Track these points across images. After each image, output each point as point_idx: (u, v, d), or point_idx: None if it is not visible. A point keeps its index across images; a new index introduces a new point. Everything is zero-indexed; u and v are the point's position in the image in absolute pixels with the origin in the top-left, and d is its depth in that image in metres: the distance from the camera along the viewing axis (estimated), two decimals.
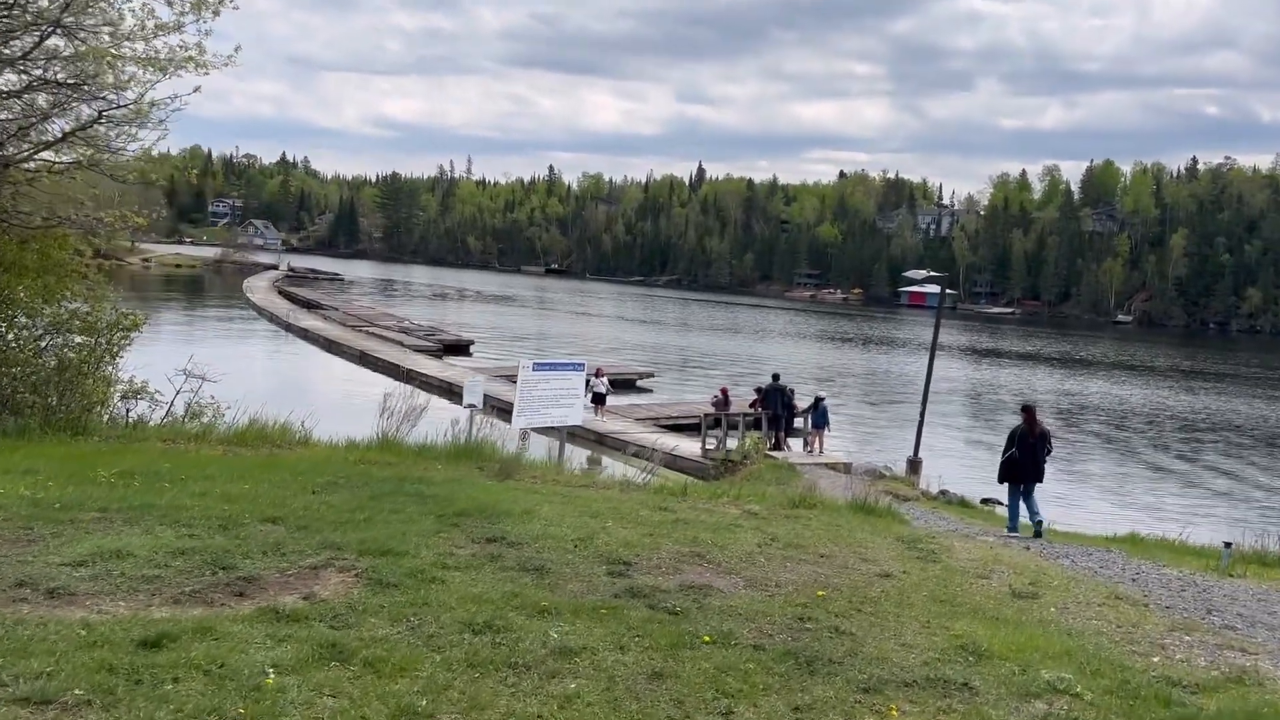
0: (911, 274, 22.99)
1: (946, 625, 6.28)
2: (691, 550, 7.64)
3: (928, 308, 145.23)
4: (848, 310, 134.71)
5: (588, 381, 30.46)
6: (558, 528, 7.88)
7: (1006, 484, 13.08)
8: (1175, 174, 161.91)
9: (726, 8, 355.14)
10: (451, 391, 31.21)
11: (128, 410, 15.40)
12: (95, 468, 9.36)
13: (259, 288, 78.07)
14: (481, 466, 11.42)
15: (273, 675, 4.32)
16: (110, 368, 15.45)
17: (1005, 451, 12.91)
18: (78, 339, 15.12)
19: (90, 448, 12.06)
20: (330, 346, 44.77)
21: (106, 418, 15.04)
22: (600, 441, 27.05)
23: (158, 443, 12.86)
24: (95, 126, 13.63)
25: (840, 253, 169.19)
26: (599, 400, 28.81)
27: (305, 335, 48.58)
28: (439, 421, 15.11)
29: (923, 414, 20.25)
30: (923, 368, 21.23)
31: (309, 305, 66.17)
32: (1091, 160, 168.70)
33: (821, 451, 22.17)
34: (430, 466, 11.24)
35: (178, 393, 15.57)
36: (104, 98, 13.26)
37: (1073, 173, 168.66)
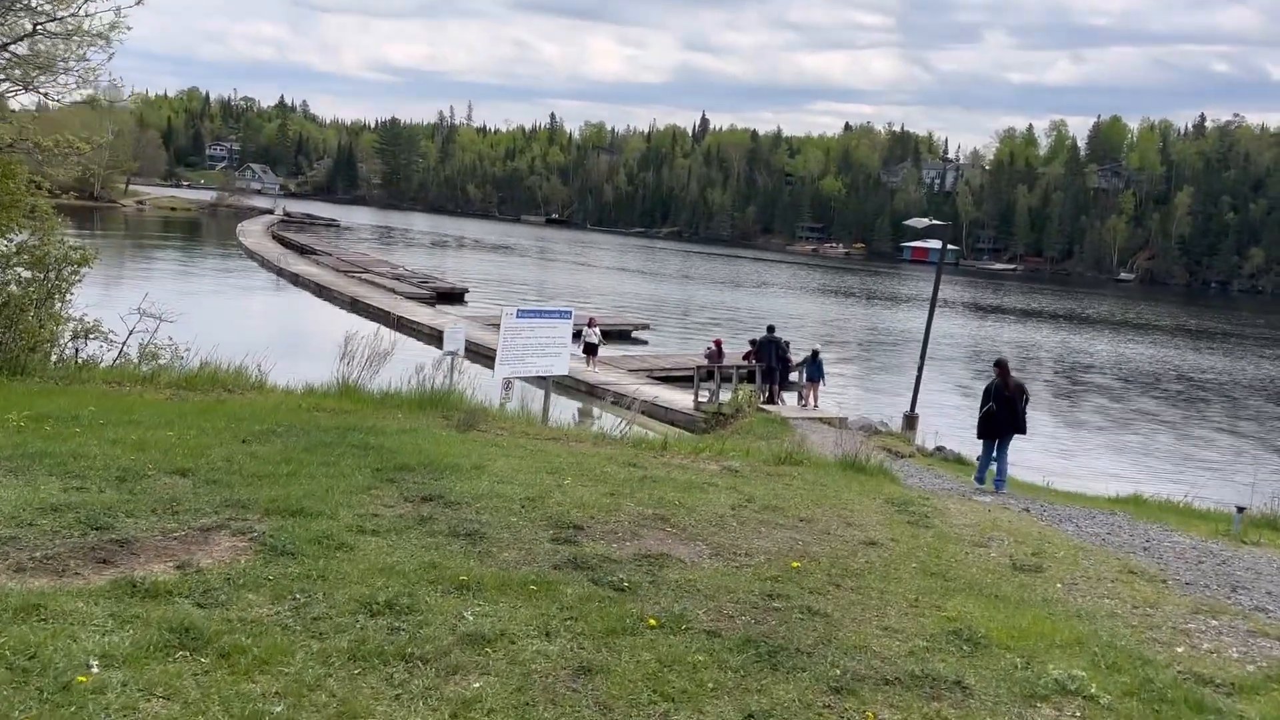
0: (913, 222, 21.94)
1: (937, 605, 5.45)
2: (655, 512, 6.79)
3: (930, 263, 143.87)
4: (850, 265, 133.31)
5: (579, 332, 29.66)
6: (508, 485, 7.04)
7: (983, 439, 13.06)
8: (1183, 131, 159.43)
9: None
10: (439, 338, 30.32)
11: (77, 351, 14.56)
12: (10, 410, 8.52)
13: (253, 232, 76.77)
14: (447, 416, 10.59)
15: (95, 669, 3.47)
16: (60, 305, 14.60)
17: (983, 407, 12.88)
18: (24, 274, 14.27)
19: (24, 388, 11.23)
20: (321, 292, 43.78)
21: (55, 358, 14.22)
22: (591, 393, 26.22)
23: (102, 385, 12.03)
24: (34, 42, 12.60)
25: (843, 206, 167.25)
26: (591, 351, 27.94)
27: (296, 281, 47.58)
28: (413, 366, 14.21)
29: (920, 369, 19.38)
30: (923, 323, 20.31)
31: (303, 250, 64.99)
32: (1099, 116, 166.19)
33: (816, 405, 21.34)
34: (389, 416, 10.40)
35: (130, 333, 14.70)
36: (40, 9, 12.22)
37: (1079, 129, 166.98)
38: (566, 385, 26.84)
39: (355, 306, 39.25)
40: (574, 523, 6.26)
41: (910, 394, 20.42)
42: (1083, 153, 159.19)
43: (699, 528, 6.57)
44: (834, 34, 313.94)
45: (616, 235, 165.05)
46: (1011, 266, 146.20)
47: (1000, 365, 13.14)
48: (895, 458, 16.14)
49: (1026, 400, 12.93)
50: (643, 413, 24.52)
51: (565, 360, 17.56)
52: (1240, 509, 9.49)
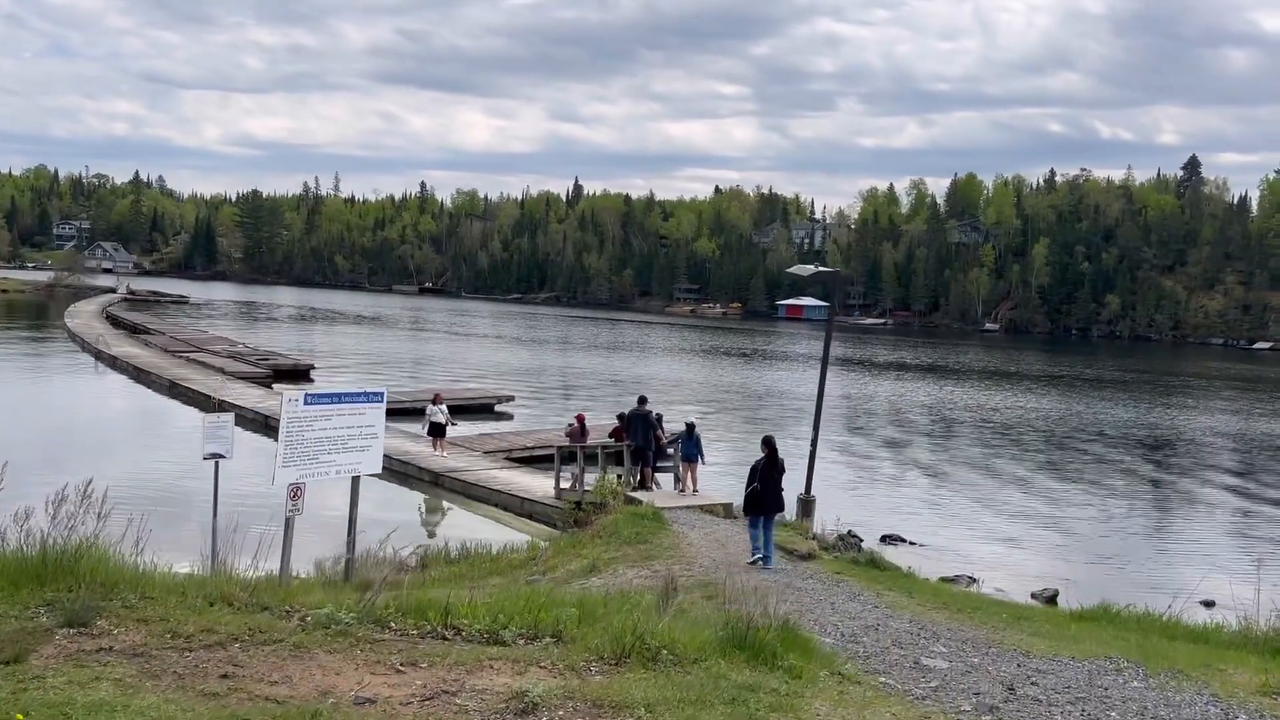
0: (797, 269, 19.56)
1: None
2: None
3: (805, 320, 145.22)
4: (727, 324, 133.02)
5: (424, 410, 26.07)
6: None
7: (748, 516, 13.27)
8: (1035, 186, 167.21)
9: (593, 28, 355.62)
10: (269, 425, 26.24)
11: None
12: None
13: (84, 313, 70.30)
14: (52, 603, 5.81)
15: None
16: None
17: (748, 485, 13.19)
18: None
19: None
20: (139, 376, 38.89)
21: None
22: (437, 483, 22.71)
23: None
24: None
25: (718, 267, 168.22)
26: (437, 432, 24.45)
27: (115, 364, 42.40)
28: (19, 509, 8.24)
29: (814, 444, 16.71)
30: (805, 382, 17.71)
31: (135, 330, 59.34)
32: (955, 174, 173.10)
33: (695, 490, 18.38)
34: None
35: None
36: None
37: (937, 187, 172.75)
38: (409, 475, 23.26)
39: (174, 390, 34.66)
40: None
41: (805, 470, 17.71)
42: (942, 209, 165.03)
43: None
44: (696, 104, 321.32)
45: (493, 302, 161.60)
46: (882, 321, 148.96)
47: (768, 443, 13.54)
48: (794, 560, 13.26)
49: (783, 471, 13.47)
50: (497, 505, 21.12)
51: (377, 455, 14.05)
52: None
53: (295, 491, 13.29)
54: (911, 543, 20.66)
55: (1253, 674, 7.48)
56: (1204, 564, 20.27)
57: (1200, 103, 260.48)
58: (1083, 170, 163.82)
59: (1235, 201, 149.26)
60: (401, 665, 4.96)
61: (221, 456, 12.75)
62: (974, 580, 17.53)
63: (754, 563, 12.64)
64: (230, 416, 14.03)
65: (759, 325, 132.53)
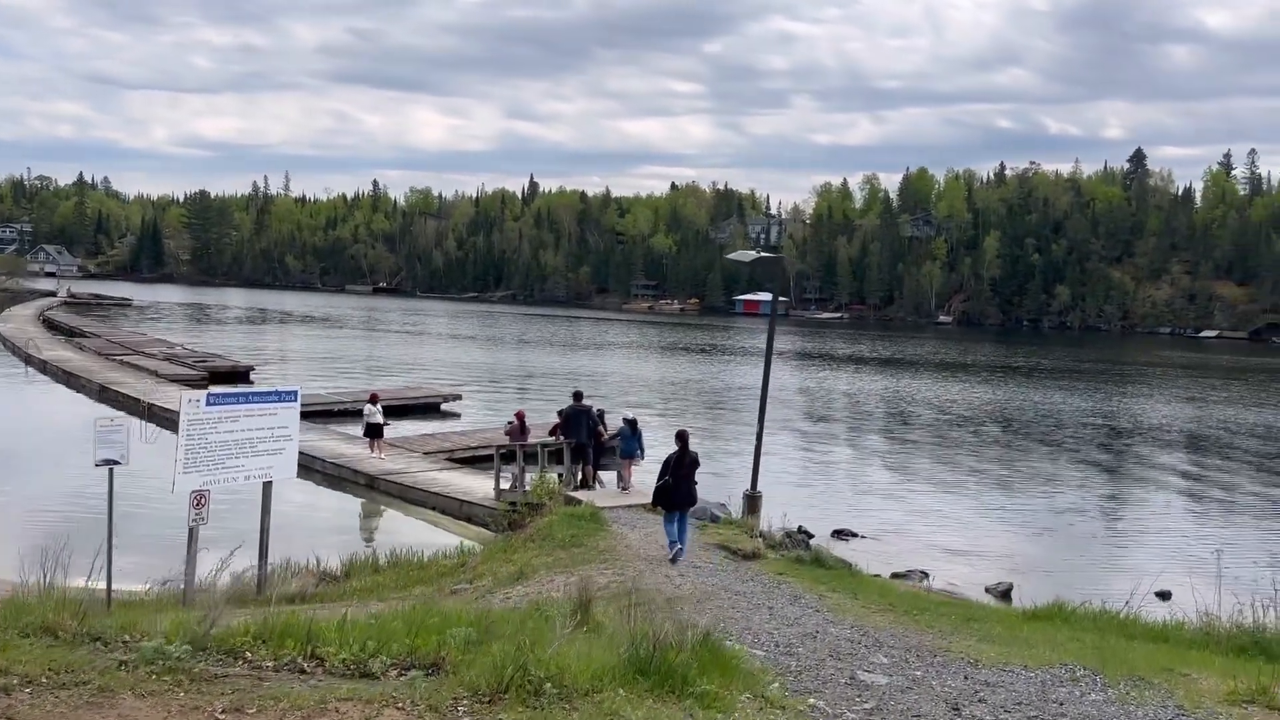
0: (738, 255, 18.85)
1: None
2: None
3: (763, 315, 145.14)
4: (685, 320, 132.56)
5: (362, 411, 25.04)
6: None
7: (662, 509, 13.15)
8: (985, 180, 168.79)
9: (547, 26, 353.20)
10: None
11: None
12: None
13: (19, 317, 67.98)
14: None
15: None
16: None
17: (660, 479, 13.08)
18: None
19: None
20: (69, 380, 37.34)
21: None
22: (372, 486, 21.75)
23: None
24: None
25: (675, 263, 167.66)
26: (374, 433, 23.45)
27: (45, 368, 40.77)
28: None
29: (759, 440, 16.04)
30: (759, 376, 17.08)
31: (71, 333, 57.35)
32: (907, 169, 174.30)
33: (629, 487, 17.49)
34: None
35: None
36: None
37: (890, 183, 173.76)
38: (343, 479, 22.29)
39: (104, 394, 33.25)
40: None
41: (751, 466, 17.02)
42: (895, 204, 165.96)
43: None
44: (651, 101, 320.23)
45: (449, 301, 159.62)
46: (838, 315, 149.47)
47: (680, 437, 13.43)
48: (737, 560, 12.56)
49: (698, 465, 13.43)
50: (436, 508, 20.23)
51: (291, 459, 13.18)
52: None
53: (199, 499, 12.36)
54: (864, 537, 20.13)
55: (1218, 678, 6.90)
56: (1160, 552, 19.96)
57: (1144, 97, 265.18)
58: (1032, 164, 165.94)
59: (1179, 193, 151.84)
60: (223, 713, 4.14)
61: (116, 463, 11.76)
62: (926, 575, 17.01)
63: (673, 559, 12.47)
64: (125, 419, 13.04)
65: (717, 321, 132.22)
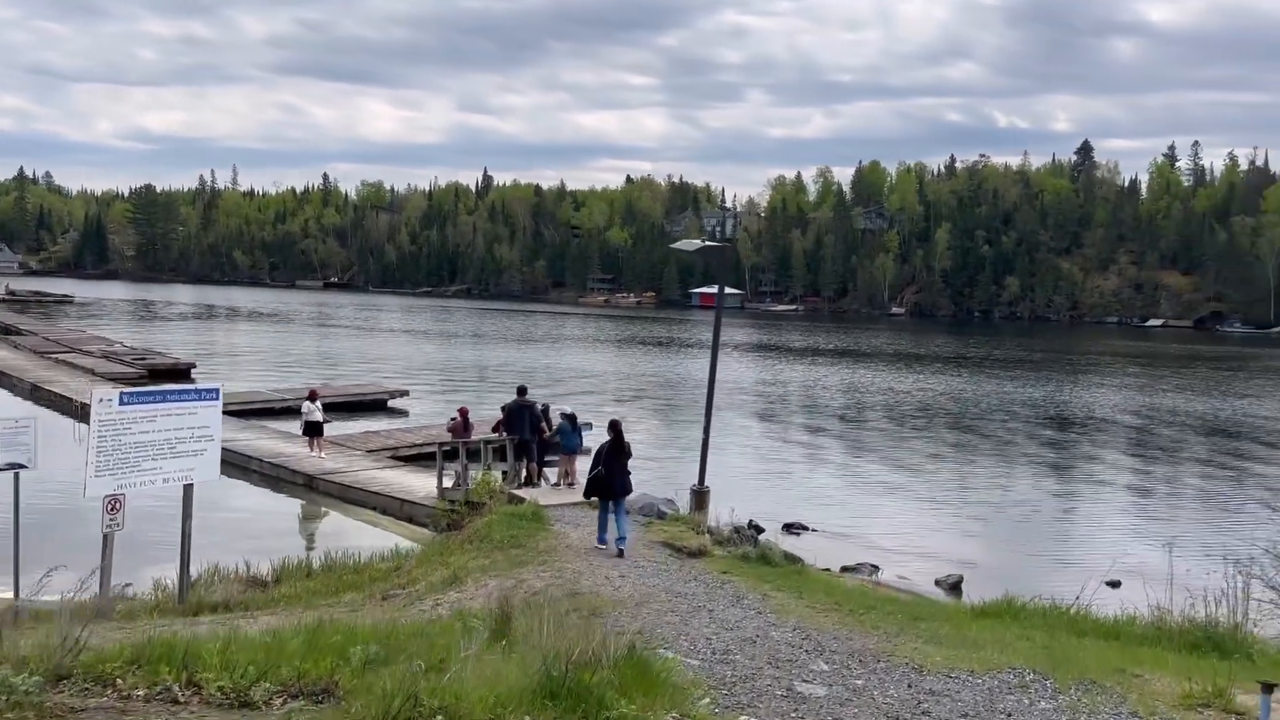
0: (683, 244, 18.51)
1: None
2: None
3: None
4: (641, 314, 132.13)
5: (300, 409, 24.28)
6: None
7: (598, 499, 12.97)
8: (936, 173, 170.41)
9: (500, 17, 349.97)
10: None
11: None
12: None
13: None
14: None
15: None
16: None
17: (592, 469, 12.92)
18: None
19: None
20: (0, 379, 35.98)
21: None
22: (311, 486, 21.06)
23: None
24: None
25: (631, 257, 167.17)
26: (314, 431, 22.73)
27: None
28: None
29: (706, 434, 15.66)
30: (719, 368, 16.69)
31: (6, 331, 55.55)
32: (860, 162, 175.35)
33: (573, 483, 17.01)
34: None
35: None
36: None
37: (843, 176, 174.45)
38: (281, 479, 21.57)
39: (35, 393, 32.07)
40: None
41: (698, 460, 16.63)
42: (848, 197, 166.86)
43: None
44: (605, 94, 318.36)
45: (402, 296, 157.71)
46: (793, 307, 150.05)
47: (613, 427, 13.24)
48: (682, 558, 12.17)
49: (630, 455, 13.27)
50: (376, 508, 19.62)
51: (213, 461, 12.54)
52: (1270, 687, 5.35)
53: (113, 504, 11.70)
54: (815, 531, 19.87)
55: (1172, 679, 6.63)
56: (1110, 540, 19.95)
57: (1091, 91, 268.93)
58: (981, 156, 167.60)
59: (1126, 185, 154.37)
60: None
61: (22, 466, 11.08)
62: (876, 569, 16.78)
63: (619, 553, 12.20)
64: (33, 420, 12.32)
65: (673, 314, 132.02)
